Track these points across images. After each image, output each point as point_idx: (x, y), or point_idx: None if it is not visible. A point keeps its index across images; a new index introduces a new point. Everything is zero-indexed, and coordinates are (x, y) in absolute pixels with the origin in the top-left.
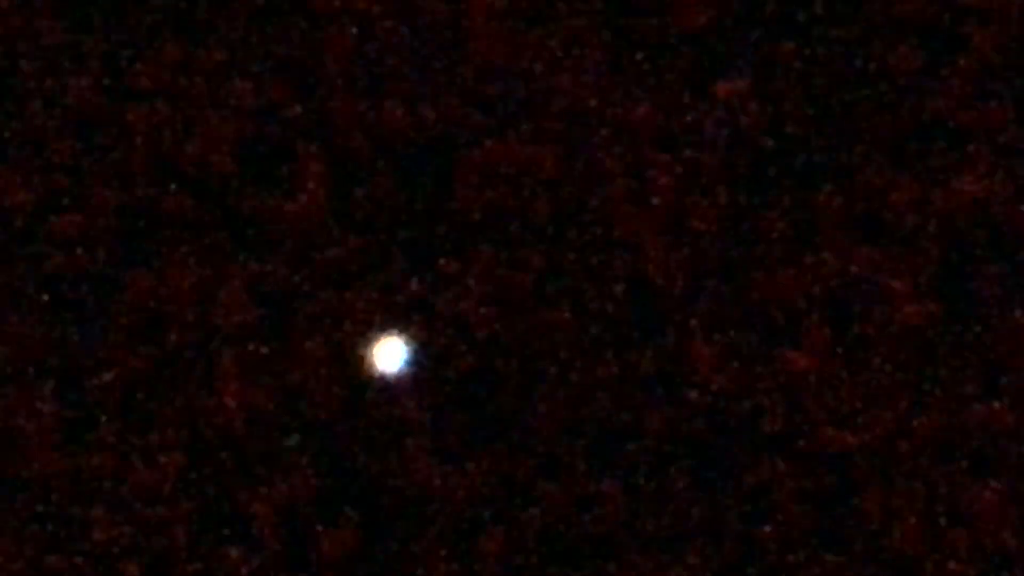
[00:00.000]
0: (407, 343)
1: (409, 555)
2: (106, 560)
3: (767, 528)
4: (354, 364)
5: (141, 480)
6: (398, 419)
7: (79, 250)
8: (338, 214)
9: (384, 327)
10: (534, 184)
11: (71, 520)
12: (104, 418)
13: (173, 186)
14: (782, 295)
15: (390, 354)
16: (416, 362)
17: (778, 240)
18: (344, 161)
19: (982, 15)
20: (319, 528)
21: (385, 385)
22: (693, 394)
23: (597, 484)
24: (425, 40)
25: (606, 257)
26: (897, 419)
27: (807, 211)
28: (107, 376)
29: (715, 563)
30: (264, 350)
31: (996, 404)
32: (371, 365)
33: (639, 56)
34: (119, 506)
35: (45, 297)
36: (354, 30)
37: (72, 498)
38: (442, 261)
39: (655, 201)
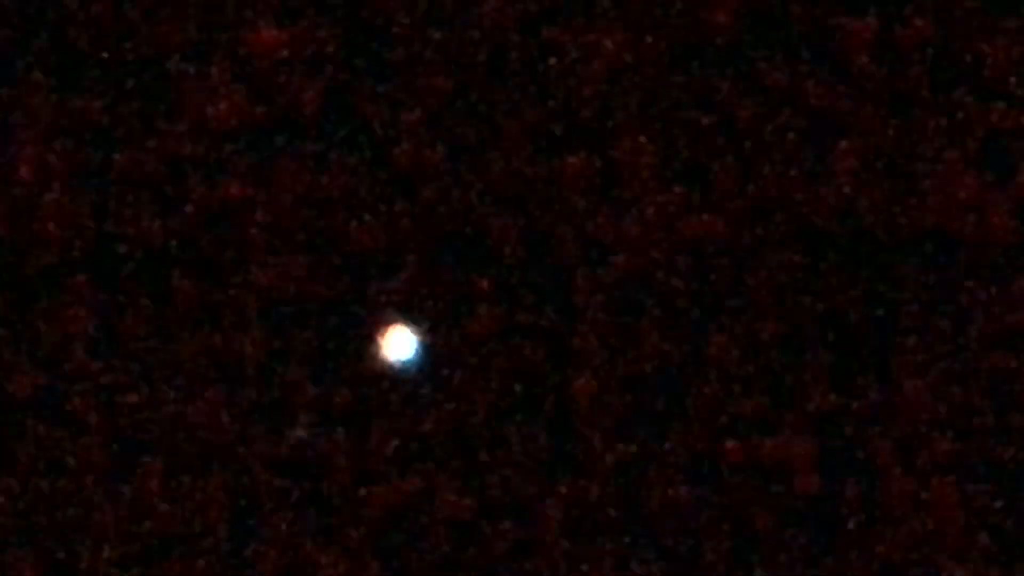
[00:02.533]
0: (416, 333)
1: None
2: None
3: None
4: (364, 354)
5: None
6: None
7: None
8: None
9: (394, 318)
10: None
11: None
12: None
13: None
14: None
15: (400, 344)
16: (425, 352)
17: None
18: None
19: None
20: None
21: (396, 375)
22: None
23: (617, 466)
24: None
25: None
26: None
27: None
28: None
29: None
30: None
31: None
32: (382, 355)
33: None
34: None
35: None
36: None
37: None
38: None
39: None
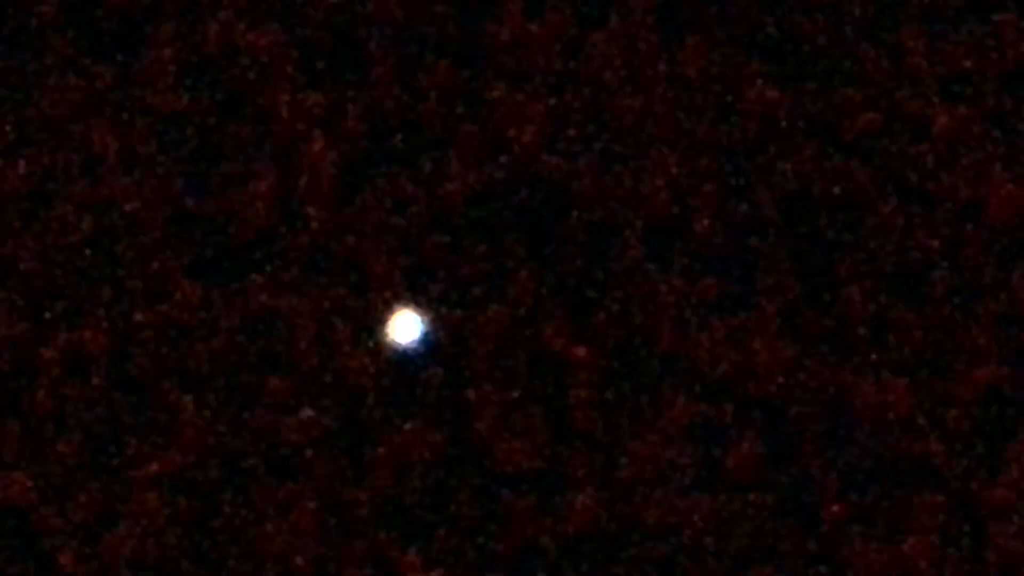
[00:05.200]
0: (423, 315)
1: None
2: None
3: None
4: (372, 336)
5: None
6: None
7: None
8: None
9: (402, 299)
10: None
11: None
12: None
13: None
14: None
15: (407, 326)
16: (433, 334)
17: None
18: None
19: None
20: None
21: (402, 357)
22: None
23: (623, 458)
24: None
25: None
26: None
27: None
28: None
29: None
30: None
31: None
32: (389, 337)
33: None
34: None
35: None
36: None
37: None
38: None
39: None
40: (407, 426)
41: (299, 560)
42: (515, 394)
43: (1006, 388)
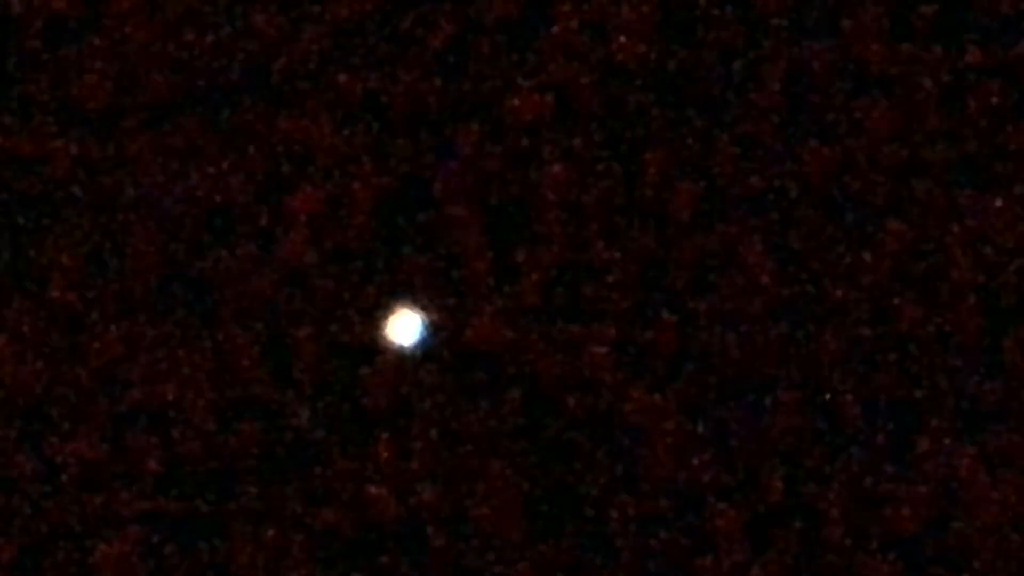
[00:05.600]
0: (421, 316)
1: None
2: None
3: None
4: (367, 337)
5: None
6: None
7: None
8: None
9: (399, 300)
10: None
11: None
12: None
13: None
14: None
15: (407, 326)
16: (429, 335)
17: None
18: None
19: None
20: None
21: (398, 358)
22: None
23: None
24: None
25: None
26: None
27: None
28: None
29: None
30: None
31: None
32: (385, 338)
33: None
34: None
35: None
36: None
37: None
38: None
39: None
40: (407, 427)
41: (298, 562)
42: (516, 395)
43: (1002, 383)
